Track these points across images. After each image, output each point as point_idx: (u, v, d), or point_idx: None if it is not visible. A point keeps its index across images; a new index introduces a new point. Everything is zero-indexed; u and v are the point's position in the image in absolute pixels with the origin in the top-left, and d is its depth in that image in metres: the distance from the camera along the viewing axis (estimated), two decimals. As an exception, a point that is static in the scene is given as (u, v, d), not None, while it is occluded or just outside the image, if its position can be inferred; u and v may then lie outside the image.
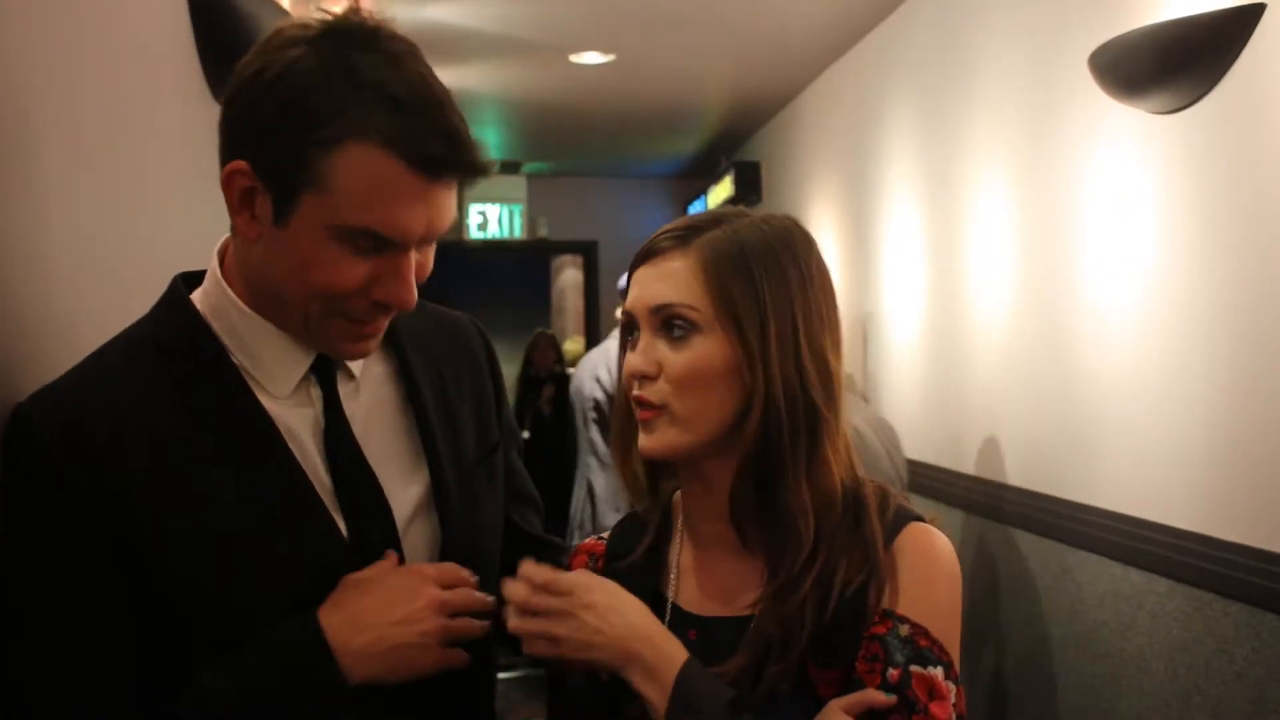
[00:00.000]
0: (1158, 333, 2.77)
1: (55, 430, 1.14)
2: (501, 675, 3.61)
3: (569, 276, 11.04)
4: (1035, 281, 3.45)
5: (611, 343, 4.52)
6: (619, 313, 1.38)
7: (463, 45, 5.08)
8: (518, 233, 8.79)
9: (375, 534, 1.27)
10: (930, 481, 4.12)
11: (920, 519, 1.32)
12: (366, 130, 1.14)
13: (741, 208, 1.36)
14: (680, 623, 1.32)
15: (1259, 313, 2.41)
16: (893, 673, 1.22)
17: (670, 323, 1.27)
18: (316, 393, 1.28)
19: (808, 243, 1.33)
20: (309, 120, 1.14)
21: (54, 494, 1.14)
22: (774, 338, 1.26)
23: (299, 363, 1.27)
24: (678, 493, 1.41)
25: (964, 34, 3.98)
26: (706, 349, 1.26)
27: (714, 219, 1.32)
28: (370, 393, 1.33)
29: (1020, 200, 3.56)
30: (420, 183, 1.17)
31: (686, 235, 1.30)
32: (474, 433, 1.41)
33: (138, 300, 1.32)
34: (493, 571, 1.39)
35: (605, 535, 1.46)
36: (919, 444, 4.27)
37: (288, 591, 1.20)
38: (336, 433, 1.27)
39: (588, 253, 9.20)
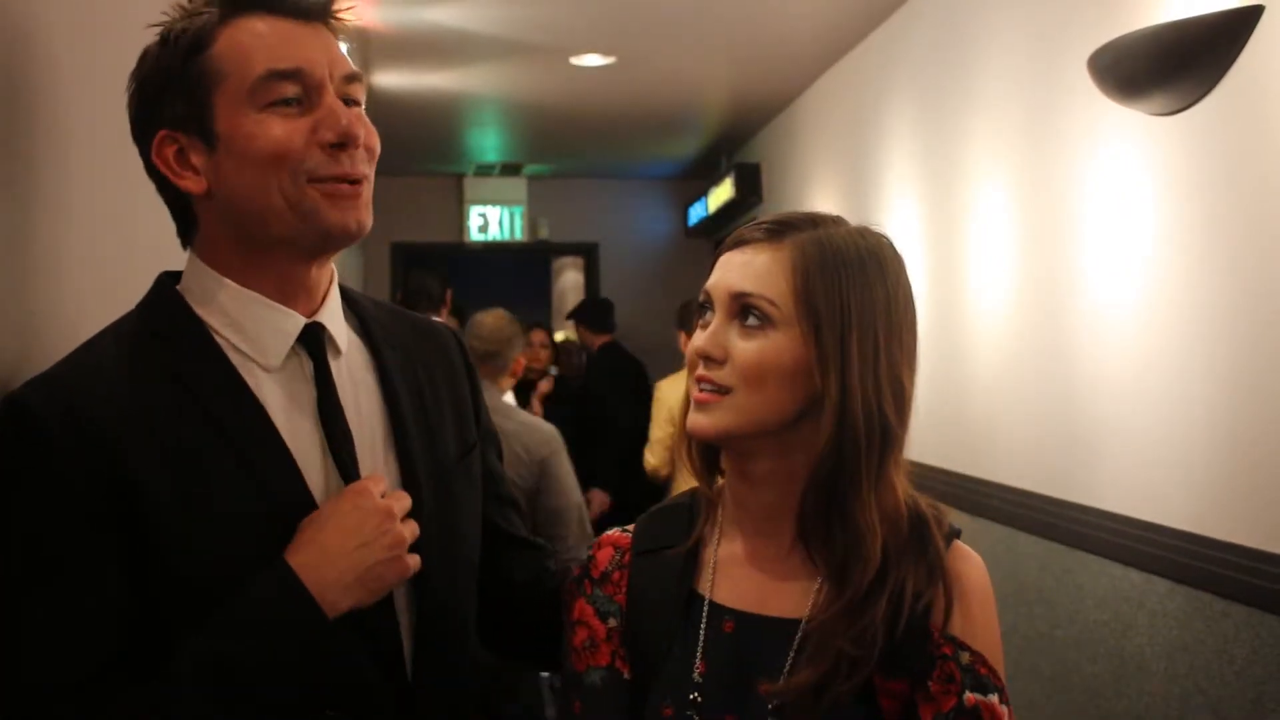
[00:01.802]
0: (1157, 334, 2.78)
1: (56, 412, 1.16)
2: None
3: (570, 278, 11.04)
4: (1035, 282, 3.45)
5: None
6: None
7: (463, 48, 5.09)
8: (518, 235, 8.79)
9: None
10: (930, 483, 4.12)
11: (958, 533, 1.35)
12: (229, 15, 1.25)
13: (838, 215, 1.36)
14: (716, 614, 1.31)
15: (1259, 313, 2.42)
16: (969, 697, 1.24)
17: (746, 311, 1.27)
18: (307, 364, 1.31)
19: (899, 264, 1.33)
20: (184, 44, 1.24)
21: (60, 472, 1.15)
22: (855, 349, 1.26)
23: (287, 330, 1.29)
24: (716, 485, 1.40)
25: (964, 36, 3.98)
26: (777, 344, 1.26)
27: (810, 219, 1.32)
28: (349, 376, 1.35)
29: (1020, 201, 3.56)
30: (292, 24, 1.26)
31: (780, 230, 1.30)
32: (453, 434, 1.43)
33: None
34: (470, 572, 1.41)
35: (629, 527, 1.44)
36: (919, 445, 4.24)
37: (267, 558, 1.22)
38: (329, 408, 1.30)
39: (588, 254, 9.20)
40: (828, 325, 1.25)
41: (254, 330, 1.28)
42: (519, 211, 8.77)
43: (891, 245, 1.33)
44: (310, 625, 1.19)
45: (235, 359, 1.27)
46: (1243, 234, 2.46)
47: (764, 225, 1.31)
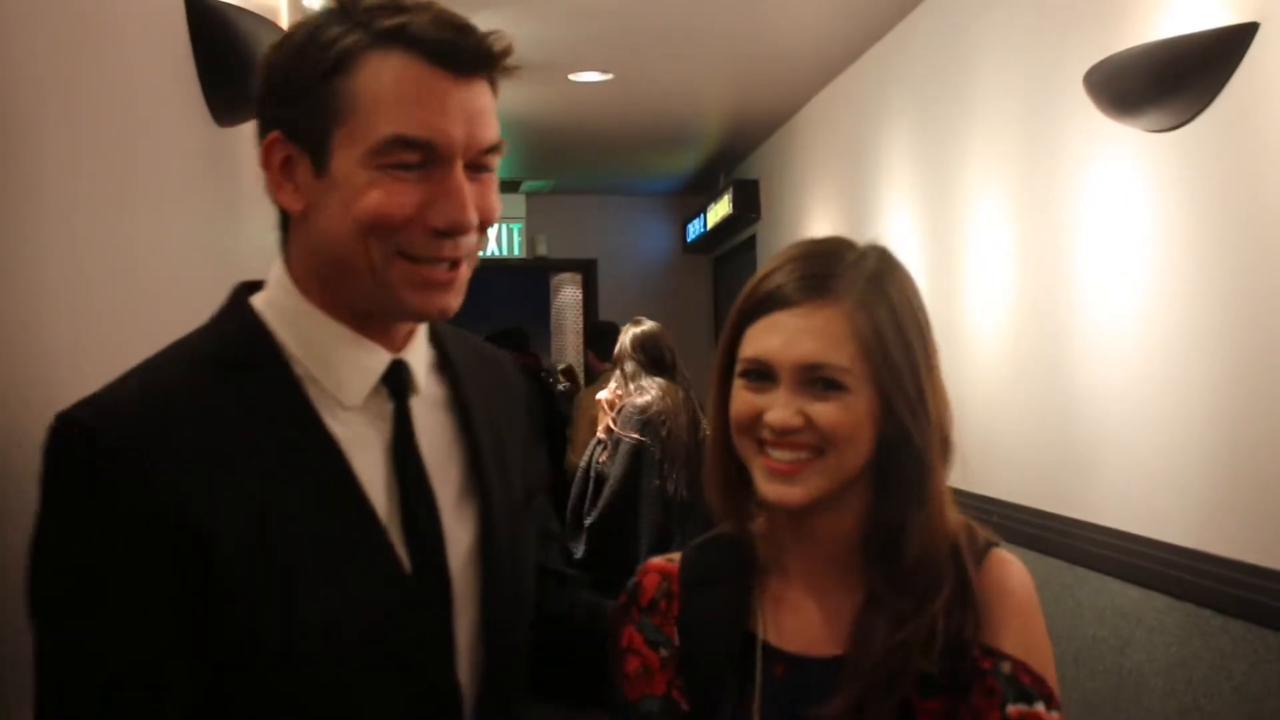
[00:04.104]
0: (1154, 349, 2.78)
1: (121, 449, 1.07)
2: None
3: (568, 295, 11.05)
4: (1032, 298, 3.46)
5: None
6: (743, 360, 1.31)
7: (462, 64, 5.09)
8: (517, 251, 8.81)
9: (430, 569, 1.21)
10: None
11: (996, 544, 1.33)
12: (377, 41, 1.13)
13: (846, 239, 1.34)
14: (769, 658, 1.30)
15: (1255, 328, 2.42)
16: (1012, 710, 1.23)
17: (820, 380, 1.24)
18: (388, 406, 1.23)
19: (906, 271, 1.34)
20: (321, 56, 1.14)
21: (122, 515, 1.06)
22: (927, 382, 1.26)
23: (372, 369, 1.22)
24: (758, 520, 1.37)
25: (961, 52, 4.00)
26: (855, 405, 1.24)
27: (839, 261, 1.29)
28: (426, 415, 1.28)
29: (1017, 217, 3.57)
30: (442, 76, 1.14)
31: (822, 283, 1.26)
32: (520, 471, 1.37)
33: (139, 324, 1.32)
34: (529, 612, 1.35)
35: (674, 557, 1.41)
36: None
37: (345, 623, 1.14)
38: (406, 451, 1.22)
39: (587, 271, 9.22)
40: (905, 374, 1.25)
41: (336, 366, 1.20)
42: (517, 228, 8.79)
43: (895, 258, 1.35)
44: None
45: (312, 392, 1.19)
46: (1238, 249, 2.47)
47: (802, 281, 1.27)
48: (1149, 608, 2.80)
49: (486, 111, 1.18)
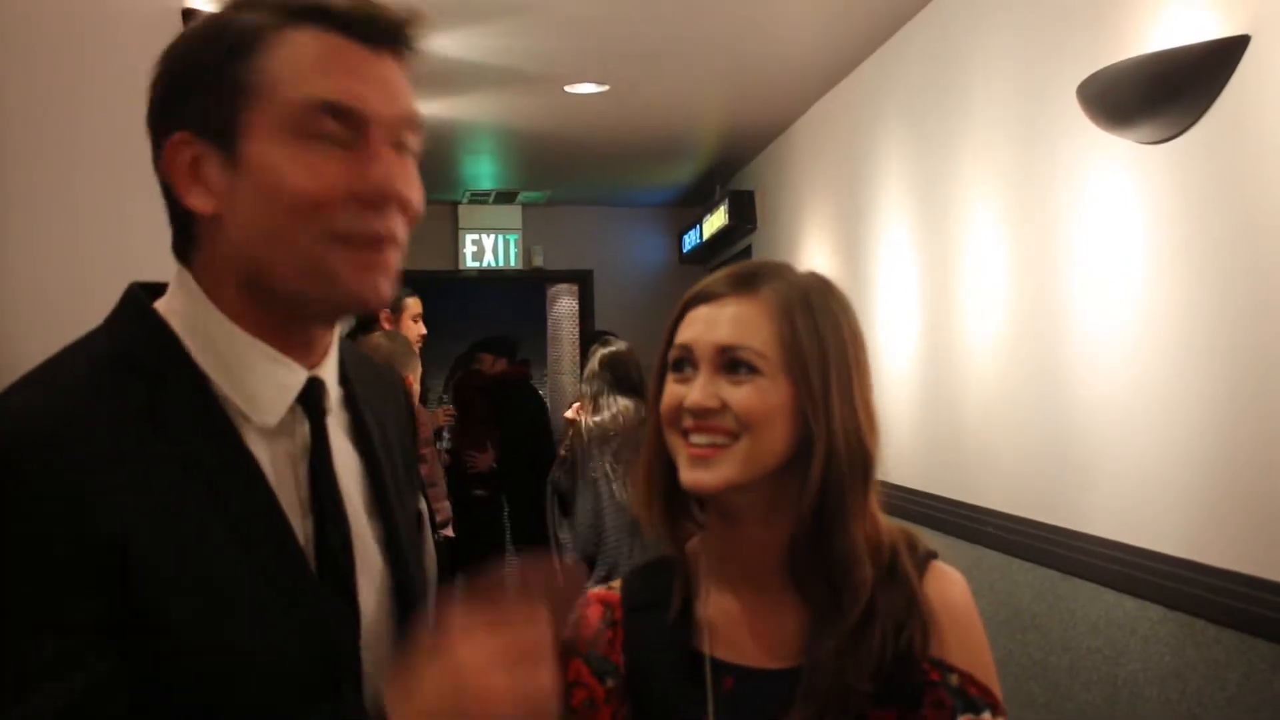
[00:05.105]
0: (1148, 360, 2.79)
1: (33, 458, 0.99)
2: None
3: (564, 306, 11.05)
4: (1027, 309, 3.47)
5: None
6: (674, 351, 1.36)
7: (458, 76, 5.11)
8: (513, 262, 8.82)
9: (341, 596, 1.17)
10: (922, 508, 4.12)
11: (934, 555, 1.36)
12: (288, 19, 1.09)
13: (785, 261, 1.40)
14: (718, 672, 1.32)
15: (1248, 338, 2.43)
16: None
17: (735, 363, 1.28)
18: (302, 423, 1.17)
19: (848, 300, 1.37)
20: (228, 38, 1.09)
21: (35, 528, 0.99)
22: (835, 386, 1.29)
23: (288, 386, 1.15)
24: (694, 539, 1.39)
25: (955, 64, 4.01)
26: (771, 389, 1.27)
27: (769, 268, 1.35)
28: (335, 436, 1.22)
29: (1011, 228, 3.58)
30: (358, 47, 1.10)
31: (748, 280, 1.32)
32: (406, 484, 1.35)
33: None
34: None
35: (615, 585, 1.43)
36: (911, 470, 4.28)
37: (260, 648, 1.09)
38: (322, 475, 1.17)
39: (583, 282, 9.22)
40: (813, 368, 1.28)
41: (251, 383, 1.12)
42: (513, 239, 8.79)
43: (836, 285, 1.38)
44: None
45: (229, 407, 1.12)
46: (1230, 260, 2.48)
47: (730, 278, 1.34)
48: (1143, 618, 2.80)
49: (402, 84, 1.13)
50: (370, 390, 1.30)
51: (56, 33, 1.52)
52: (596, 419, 4.35)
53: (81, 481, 1.00)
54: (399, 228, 1.13)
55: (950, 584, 1.34)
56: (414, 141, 1.15)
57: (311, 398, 1.17)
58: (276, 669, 1.09)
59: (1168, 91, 2.58)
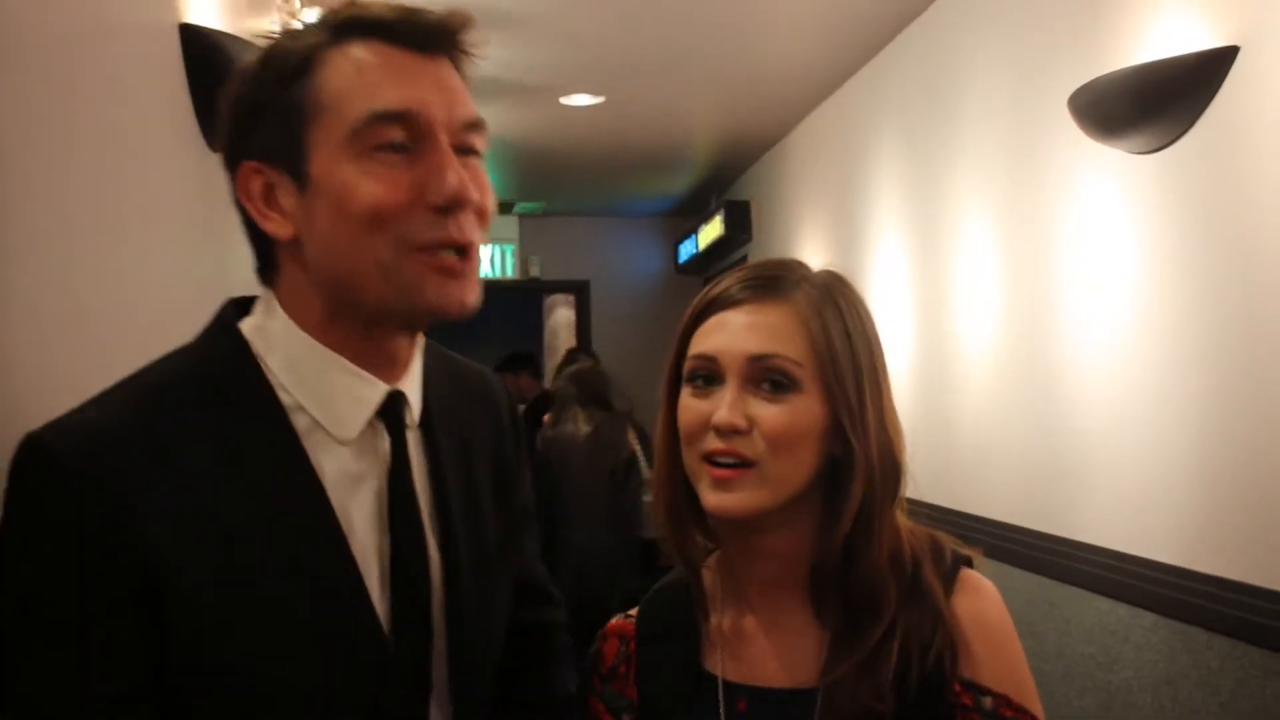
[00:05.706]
0: (1140, 368, 2.80)
1: (79, 474, 0.99)
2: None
3: (561, 316, 11.05)
4: (1019, 317, 3.48)
5: None
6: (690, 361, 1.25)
7: (454, 87, 5.12)
8: (510, 272, 8.82)
9: (414, 620, 1.15)
10: (916, 517, 4.12)
11: (968, 561, 1.28)
12: (335, 38, 1.10)
13: (798, 259, 1.30)
14: (731, 695, 1.24)
15: (1239, 346, 2.45)
16: None
17: (769, 376, 1.18)
18: (383, 438, 1.16)
19: (863, 299, 1.29)
20: (281, 66, 1.10)
21: (76, 548, 0.99)
22: (869, 395, 1.20)
23: (367, 400, 1.14)
24: (710, 557, 1.32)
25: (948, 75, 4.03)
26: (805, 406, 1.18)
27: (790, 268, 1.25)
28: (415, 452, 1.21)
29: (1004, 237, 3.60)
30: (407, 54, 1.11)
31: (772, 283, 1.22)
32: (495, 516, 1.28)
33: (130, 348, 1.30)
34: (493, 671, 1.28)
35: (632, 613, 1.36)
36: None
37: (316, 686, 1.08)
38: (402, 492, 1.15)
39: (580, 292, 9.23)
40: (848, 377, 1.19)
41: (330, 397, 1.12)
42: (510, 249, 8.80)
43: (851, 281, 1.30)
44: None
45: (301, 423, 1.11)
46: (1220, 268, 2.50)
47: (750, 281, 1.23)
48: (1136, 625, 2.81)
49: (460, 88, 1.14)
50: (455, 401, 1.28)
51: (53, 48, 1.53)
52: (550, 431, 4.84)
53: (125, 493, 1.00)
54: (474, 231, 1.12)
55: (982, 597, 1.23)
56: (479, 143, 1.15)
57: (392, 412, 1.16)
58: (317, 694, 1.07)
59: (1158, 102, 2.60)
